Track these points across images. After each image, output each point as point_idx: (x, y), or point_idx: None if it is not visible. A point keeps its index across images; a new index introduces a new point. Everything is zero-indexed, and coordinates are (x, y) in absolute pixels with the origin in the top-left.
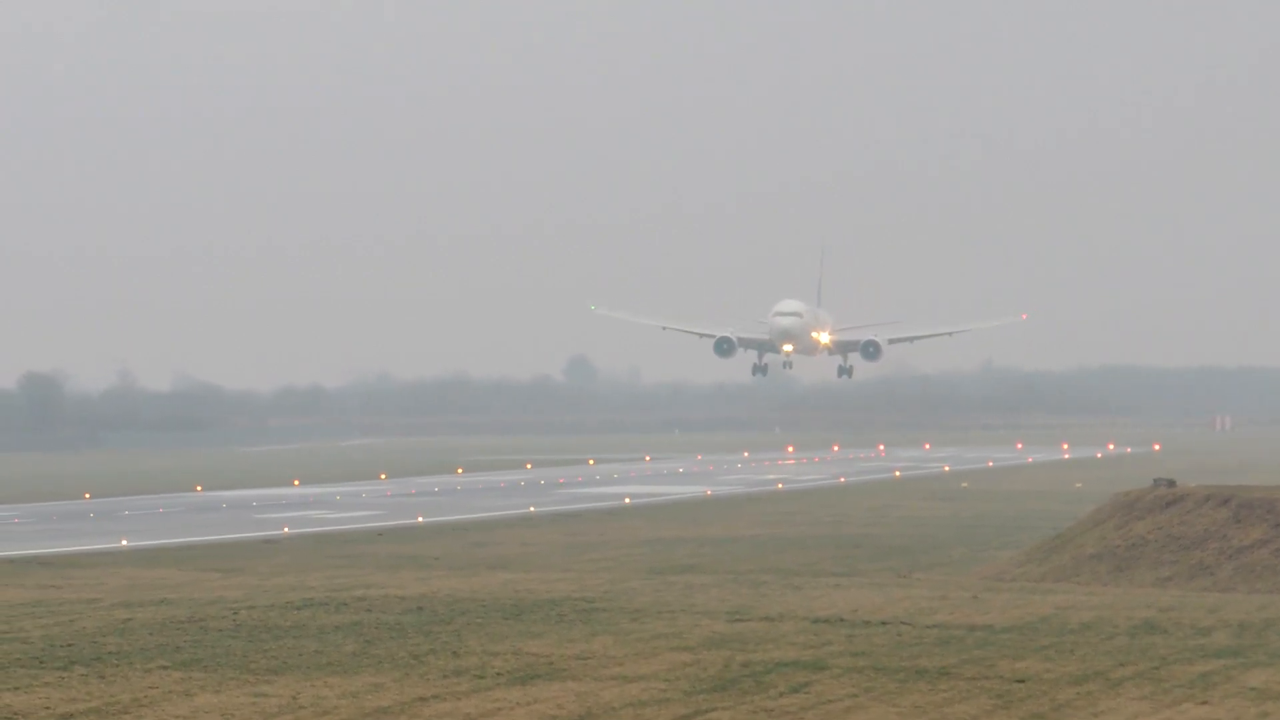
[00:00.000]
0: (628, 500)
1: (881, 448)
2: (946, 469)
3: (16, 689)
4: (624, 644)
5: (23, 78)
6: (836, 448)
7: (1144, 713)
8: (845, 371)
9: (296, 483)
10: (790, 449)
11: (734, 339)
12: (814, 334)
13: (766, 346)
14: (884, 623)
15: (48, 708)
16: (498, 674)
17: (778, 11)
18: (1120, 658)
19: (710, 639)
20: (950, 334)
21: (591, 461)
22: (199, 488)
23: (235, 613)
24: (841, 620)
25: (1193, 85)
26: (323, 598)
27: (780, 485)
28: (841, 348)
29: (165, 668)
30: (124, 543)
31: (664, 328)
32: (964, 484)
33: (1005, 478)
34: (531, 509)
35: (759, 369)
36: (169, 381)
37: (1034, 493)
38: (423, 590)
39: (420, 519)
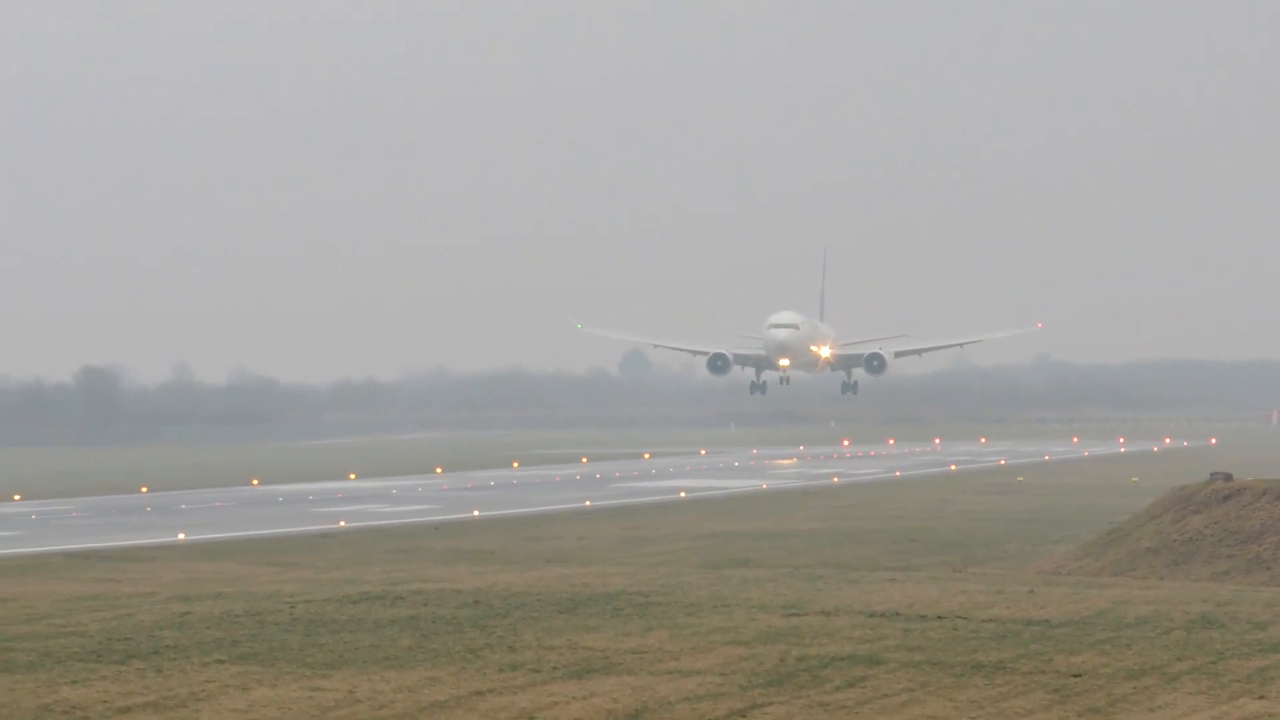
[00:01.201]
0: (683, 494)
1: (937, 442)
2: (1002, 463)
3: (74, 682)
4: (680, 638)
5: (72, 84)
6: (892, 442)
7: (1200, 707)
8: (849, 388)
9: (353, 476)
10: (846, 443)
11: (729, 355)
12: (813, 347)
13: (763, 363)
14: (940, 617)
15: (105, 701)
16: (553, 668)
17: (778, 14)
18: (1176, 652)
19: (766, 633)
20: (961, 345)
21: (647, 455)
22: (255, 481)
23: (292, 607)
24: (897, 614)
25: (1217, 65)
26: (379, 592)
27: (836, 479)
28: (844, 362)
29: (222, 661)
30: (181, 537)
31: (655, 345)
32: (1020, 478)
33: (1061, 472)
34: (587, 503)
35: (756, 387)
36: (225, 376)
37: (1090, 487)
38: (479, 584)
39: (476, 513)
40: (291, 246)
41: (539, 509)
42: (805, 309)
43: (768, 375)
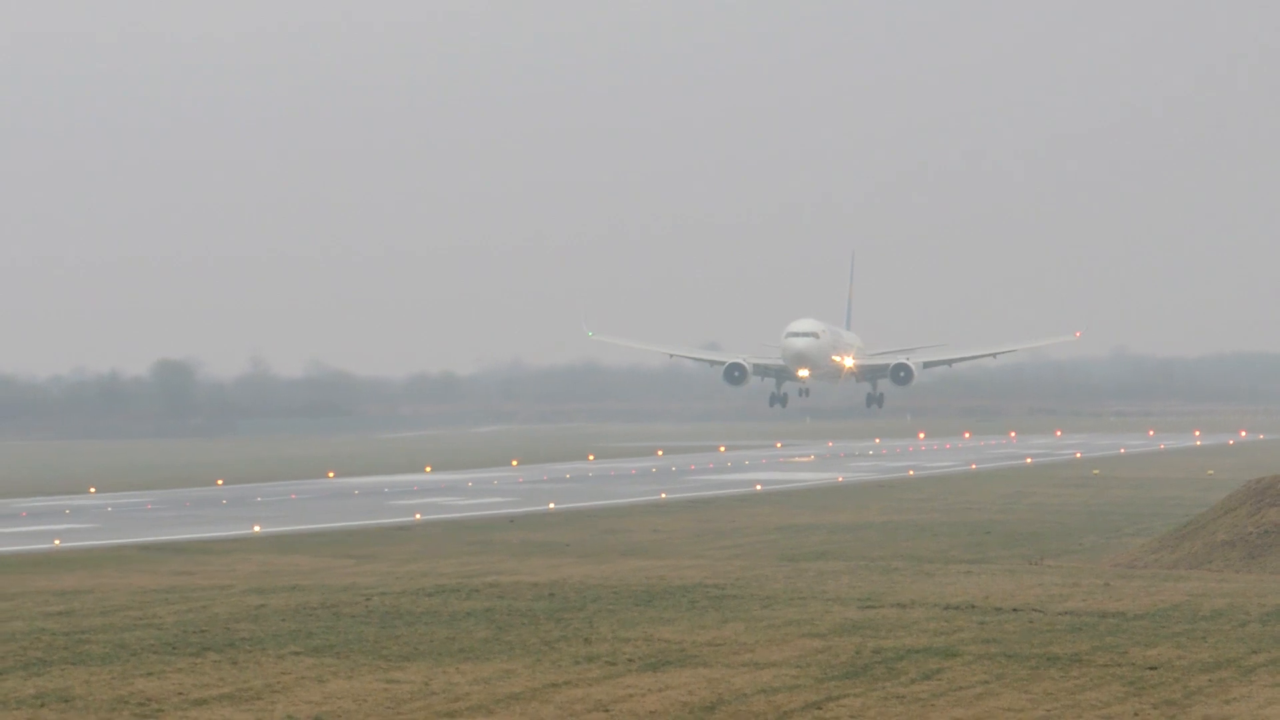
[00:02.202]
0: (759, 487)
1: (1013, 435)
2: (1078, 456)
3: (150, 675)
4: (755, 630)
5: (164, 80)
6: (968, 435)
7: (1276, 699)
8: (875, 400)
9: (429, 469)
10: (921, 435)
11: (746, 365)
12: (834, 357)
13: (783, 373)
14: (1015, 610)
15: (181, 693)
16: (629, 660)
17: (795, 16)
18: (1253, 645)
19: (841, 625)
20: (994, 355)
21: (722, 449)
22: (331, 474)
23: (367, 599)
24: (973, 607)
25: None
26: (455, 584)
27: (911, 472)
28: (869, 373)
29: (298, 654)
30: (256, 529)
31: (671, 355)
32: (1095, 471)
33: (1137, 464)
34: (663, 495)
35: (776, 399)
36: (301, 368)
37: (1166, 479)
38: (554, 577)
39: (552, 505)
40: (367, 243)
41: (615, 501)
42: (829, 319)
43: (789, 386)
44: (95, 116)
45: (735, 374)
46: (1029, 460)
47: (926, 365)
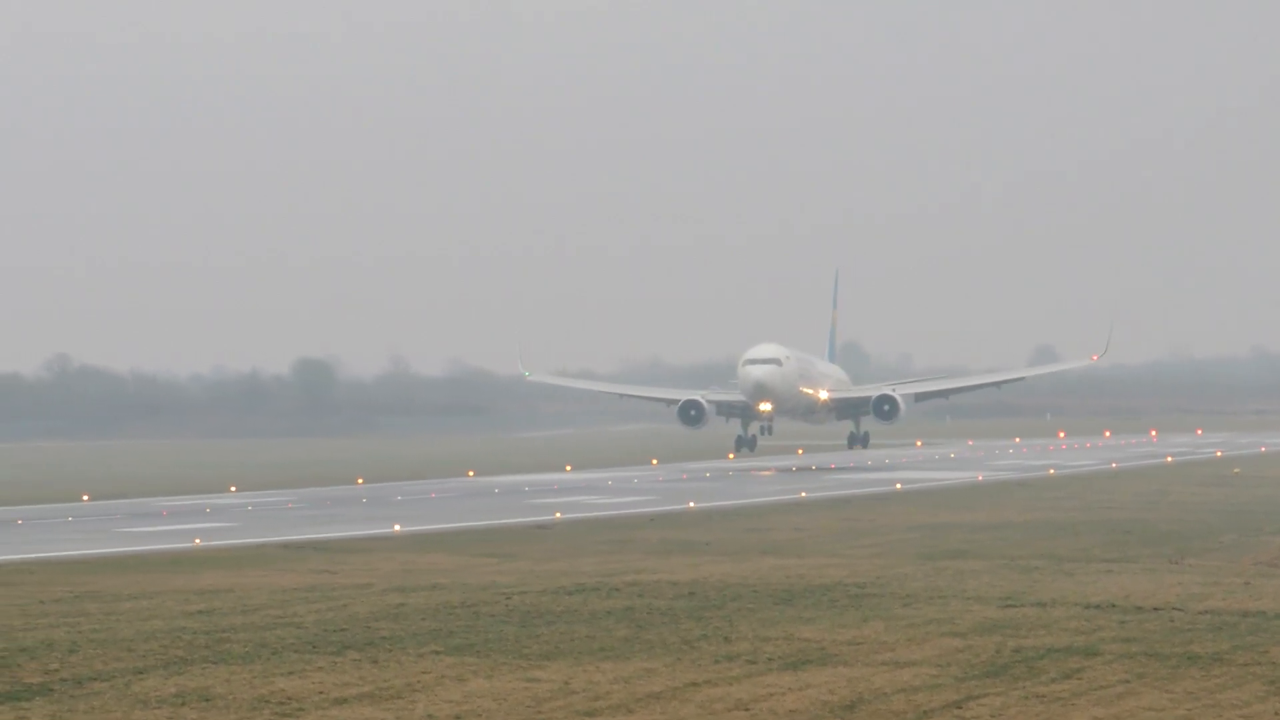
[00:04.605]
0: (899, 486)
1: (1153, 433)
2: (1219, 454)
3: (290, 673)
4: (895, 629)
5: (272, 81)
6: (1108, 434)
7: None
8: (858, 440)
9: (569, 468)
10: (1061, 435)
11: (703, 403)
12: (804, 388)
13: (748, 410)
14: (1156, 609)
15: (321, 692)
16: (769, 659)
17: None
18: None
19: (981, 624)
20: (999, 384)
21: (919, 443)
22: (471, 473)
23: (508, 598)
24: (1113, 606)
25: None
26: (594, 583)
27: (1051, 471)
28: (848, 408)
29: (438, 653)
30: (397, 528)
31: (621, 395)
32: (1236, 470)
33: (1278, 463)
34: (803, 494)
35: (744, 441)
36: (442, 367)
37: None
38: (694, 575)
39: (691, 504)
40: (507, 244)
41: (755, 500)
42: (815, 346)
43: (761, 427)
44: (231, 118)
45: (691, 413)
46: (1169, 459)
47: (920, 398)
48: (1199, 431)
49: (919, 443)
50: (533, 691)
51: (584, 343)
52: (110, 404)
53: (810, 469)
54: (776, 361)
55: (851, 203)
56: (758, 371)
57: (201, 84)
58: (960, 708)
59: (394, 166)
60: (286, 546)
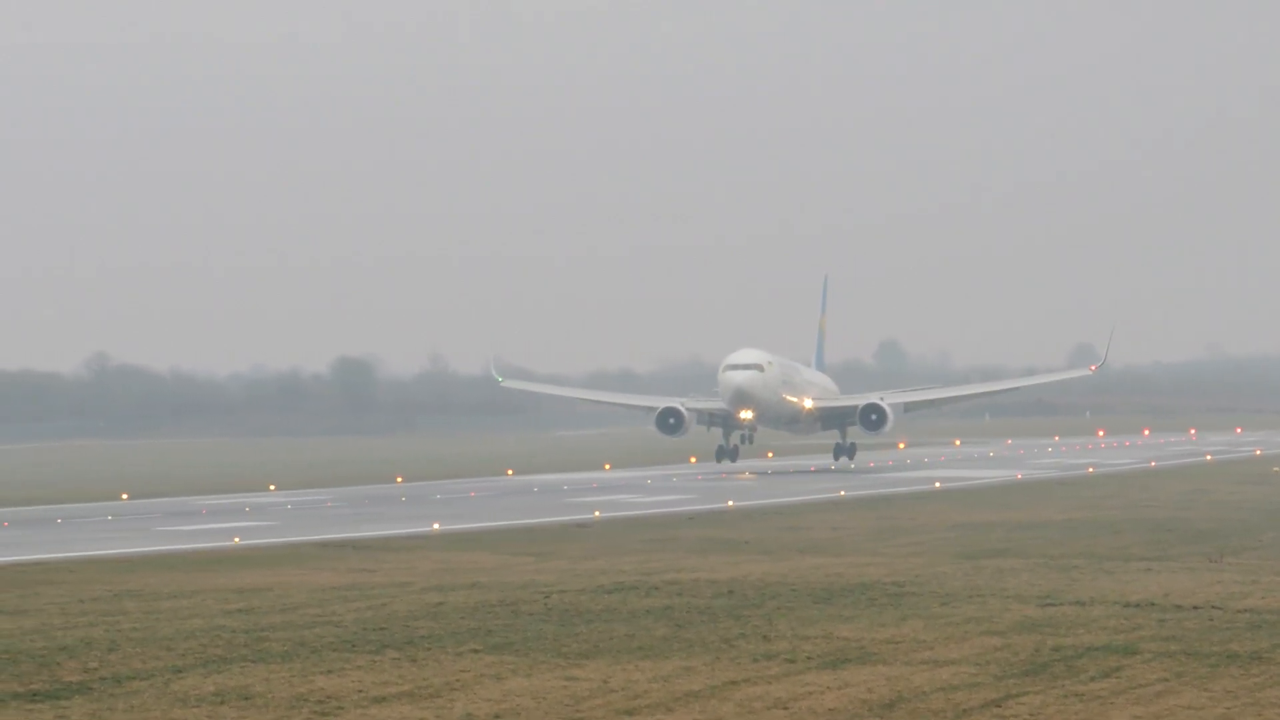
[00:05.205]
0: (938, 484)
1: (1192, 432)
2: (1258, 453)
3: (329, 672)
4: (934, 628)
5: (318, 83)
6: (1147, 432)
7: None
8: (844, 451)
9: (608, 466)
10: (1101, 433)
11: (683, 411)
12: (788, 396)
13: (729, 419)
14: (1195, 607)
15: (360, 691)
16: (808, 658)
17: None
18: None
19: (1021, 623)
20: (991, 394)
21: (901, 445)
22: (510, 471)
23: (547, 597)
24: (1153, 605)
25: None
26: (633, 582)
27: (1091, 469)
28: (834, 417)
29: (477, 651)
30: (436, 526)
31: (595, 401)
32: (1276, 468)
33: None
34: (842, 493)
35: (725, 451)
36: (481, 366)
37: None
38: (733, 574)
39: (730, 503)
40: (547, 244)
41: (793, 499)
42: (804, 354)
43: (743, 437)
44: (278, 121)
45: (670, 421)
46: (1209, 457)
47: (909, 408)
48: (1238, 430)
49: (957, 441)
50: (571, 690)
51: (625, 342)
52: (149, 403)
53: (849, 467)
54: (758, 367)
55: (884, 202)
56: (739, 377)
57: (248, 88)
58: (999, 706)
59: (433, 168)
60: (325, 545)
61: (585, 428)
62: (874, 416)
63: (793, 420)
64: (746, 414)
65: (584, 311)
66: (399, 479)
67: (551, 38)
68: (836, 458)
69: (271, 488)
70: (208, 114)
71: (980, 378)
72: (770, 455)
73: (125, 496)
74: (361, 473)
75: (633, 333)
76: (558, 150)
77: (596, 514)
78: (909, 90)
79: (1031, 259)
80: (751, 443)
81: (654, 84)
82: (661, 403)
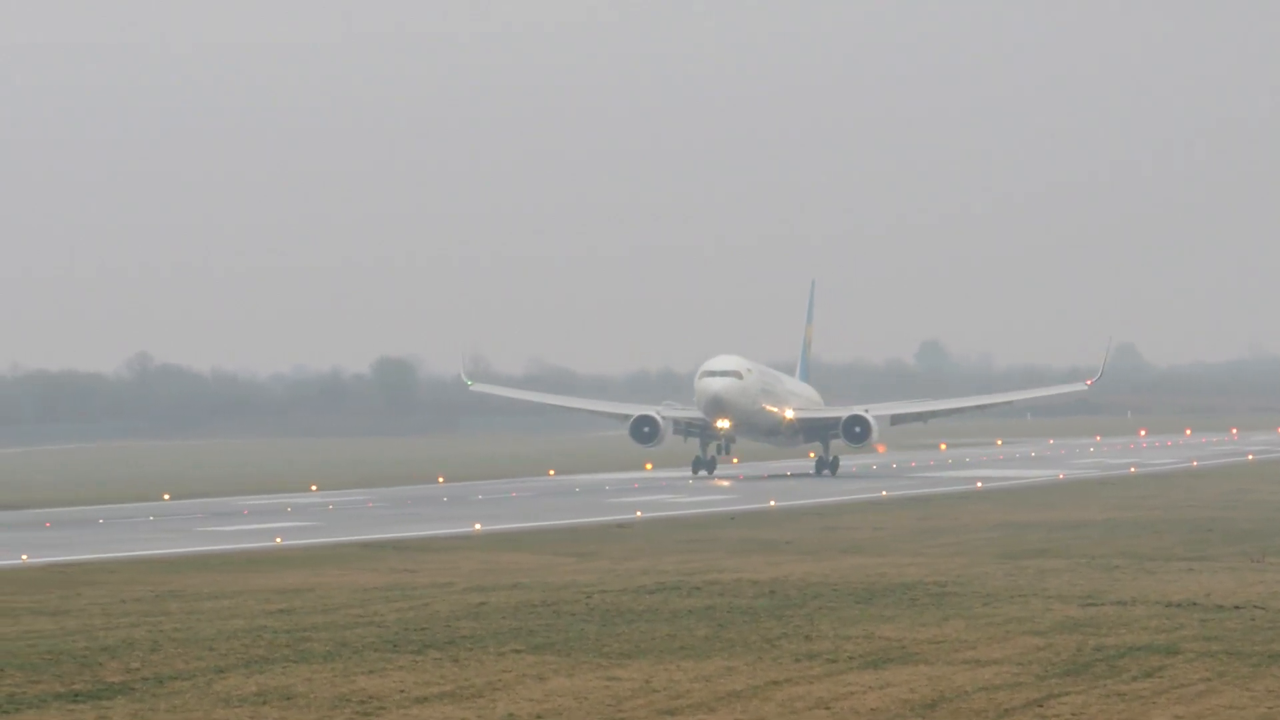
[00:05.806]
0: (979, 484)
1: (1234, 431)
2: None
3: (371, 672)
4: (976, 628)
5: (346, 85)
6: (1189, 432)
7: None
8: (827, 465)
9: (649, 466)
10: (1143, 433)
11: (658, 419)
12: (768, 405)
13: (707, 429)
14: (1237, 607)
15: (402, 691)
16: (850, 658)
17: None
18: None
19: (1062, 623)
20: (980, 407)
21: (943, 446)
22: (552, 472)
23: (588, 597)
24: (1194, 605)
25: None
26: (675, 582)
27: (1133, 469)
28: (816, 429)
29: (519, 651)
30: (477, 526)
31: (569, 408)
32: None
33: None
34: (883, 493)
35: (702, 463)
36: (523, 366)
37: None
38: (775, 574)
39: (772, 503)
40: (588, 243)
41: (835, 499)
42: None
43: (719, 447)
44: (307, 122)
45: (645, 429)
46: (1250, 457)
47: (895, 420)
48: None
49: (999, 441)
50: (613, 690)
51: (625, 343)
52: (191, 403)
53: (891, 466)
54: (736, 374)
55: (932, 202)
56: (716, 384)
57: (250, 88)
58: (1041, 706)
59: (476, 168)
60: (367, 546)
61: (623, 429)
62: (857, 429)
63: (773, 431)
64: (723, 423)
65: (623, 310)
66: (440, 479)
67: (552, 40)
68: (819, 472)
69: (313, 488)
70: (243, 117)
71: (1022, 377)
72: (735, 460)
73: (167, 497)
74: (403, 473)
75: (633, 334)
76: (558, 150)
77: (638, 514)
78: (945, 90)
79: (1075, 259)
80: (727, 452)
81: (654, 84)
82: (637, 410)
